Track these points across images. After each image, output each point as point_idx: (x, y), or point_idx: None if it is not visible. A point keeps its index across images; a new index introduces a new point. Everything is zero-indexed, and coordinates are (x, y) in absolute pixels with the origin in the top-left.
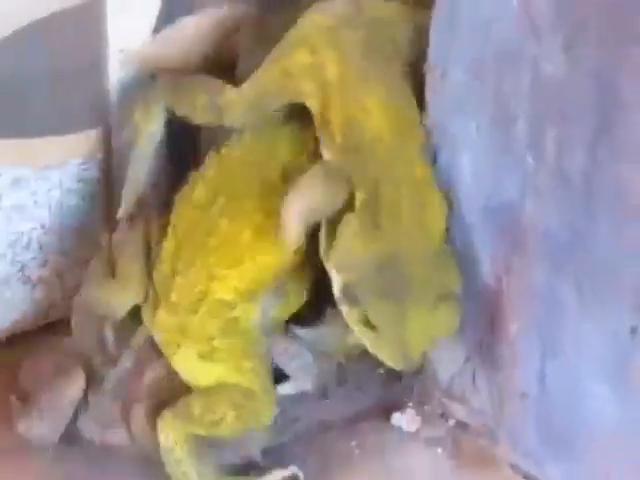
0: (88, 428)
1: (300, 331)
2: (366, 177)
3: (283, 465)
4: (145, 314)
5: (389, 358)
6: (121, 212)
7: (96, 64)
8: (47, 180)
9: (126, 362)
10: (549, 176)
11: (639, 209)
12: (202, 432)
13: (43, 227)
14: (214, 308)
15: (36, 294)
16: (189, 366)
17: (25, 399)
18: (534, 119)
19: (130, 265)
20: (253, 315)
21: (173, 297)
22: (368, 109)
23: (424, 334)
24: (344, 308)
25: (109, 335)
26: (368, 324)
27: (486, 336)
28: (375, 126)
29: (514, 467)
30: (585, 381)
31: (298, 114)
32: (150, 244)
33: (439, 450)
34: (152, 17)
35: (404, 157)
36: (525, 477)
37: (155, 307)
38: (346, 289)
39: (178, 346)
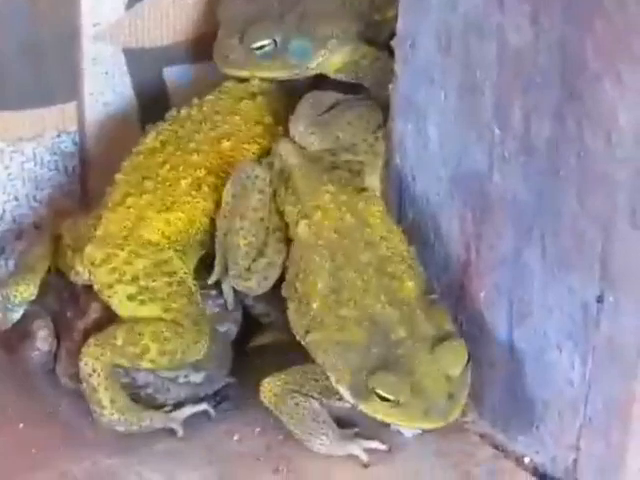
0: (63, 378)
1: None
2: None
3: None
4: (73, 261)
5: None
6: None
7: (70, 38)
8: (21, 153)
9: (93, 313)
10: (516, 145)
11: (604, 176)
12: (125, 363)
13: (17, 200)
14: (140, 248)
15: (10, 266)
16: (123, 307)
17: None
18: (501, 88)
19: (27, 264)
20: (184, 259)
21: (100, 231)
22: None
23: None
24: (362, 406)
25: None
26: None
27: (455, 306)
28: None
29: (482, 436)
30: (552, 349)
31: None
32: None
33: None
34: None
35: None
36: (493, 446)
37: (81, 250)
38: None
39: (110, 287)
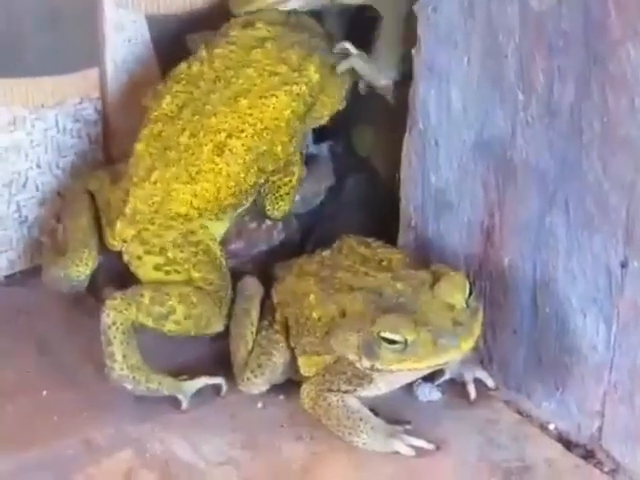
0: None
1: None
2: None
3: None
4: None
5: None
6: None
7: (92, 4)
8: (44, 120)
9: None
10: (539, 109)
11: (627, 140)
12: (149, 322)
13: (39, 167)
14: (169, 220)
15: (33, 234)
16: (149, 277)
17: None
18: (523, 52)
19: (79, 239)
20: (215, 230)
21: (129, 208)
22: None
23: None
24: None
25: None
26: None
27: (479, 271)
28: None
29: (507, 402)
30: (577, 314)
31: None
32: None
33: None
34: None
35: None
36: (518, 412)
37: (111, 224)
38: None
39: (139, 258)
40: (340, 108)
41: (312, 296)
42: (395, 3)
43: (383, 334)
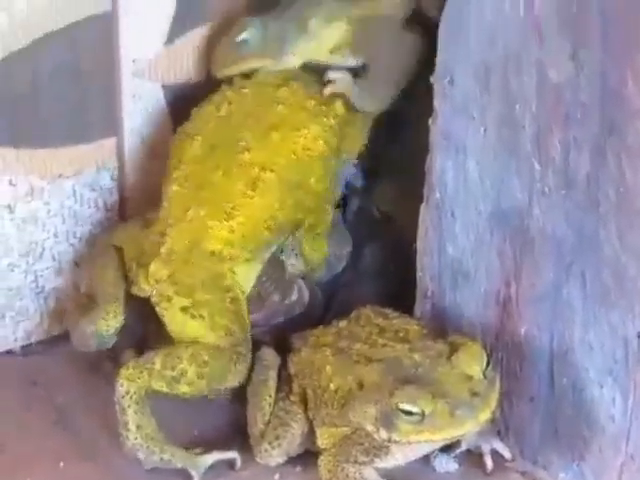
0: None
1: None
2: None
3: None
4: (137, 278)
5: None
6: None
7: (111, 74)
8: (61, 190)
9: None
10: (556, 179)
11: None
12: (163, 387)
13: (57, 237)
14: (203, 259)
15: (50, 304)
16: (175, 320)
17: None
18: (540, 123)
19: (107, 292)
20: (246, 276)
21: (164, 248)
22: None
23: None
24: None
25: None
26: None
27: (495, 341)
28: None
29: (524, 474)
30: (593, 384)
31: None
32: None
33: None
34: (165, 27)
35: None
36: None
37: (145, 267)
38: None
39: (169, 300)
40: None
41: (329, 367)
42: (380, 54)
43: (401, 406)
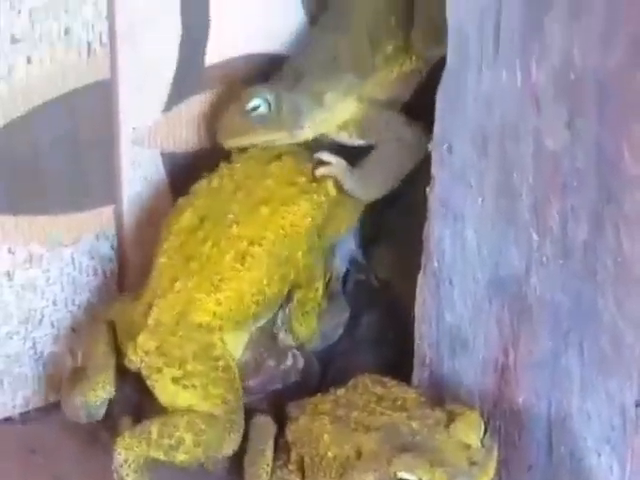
0: None
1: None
2: None
3: None
4: (127, 350)
5: None
6: None
7: (109, 141)
8: (60, 257)
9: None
10: (553, 248)
11: None
12: (160, 456)
13: (55, 304)
14: (191, 331)
15: (48, 370)
16: (166, 391)
17: None
18: (537, 191)
19: (97, 364)
20: (234, 345)
21: (151, 320)
22: None
23: None
24: None
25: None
26: None
27: (493, 409)
28: None
29: None
30: (591, 452)
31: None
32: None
33: None
34: (163, 95)
35: None
36: None
37: (134, 339)
38: None
39: (159, 371)
40: (355, 224)
41: (327, 435)
42: (387, 138)
43: (399, 474)
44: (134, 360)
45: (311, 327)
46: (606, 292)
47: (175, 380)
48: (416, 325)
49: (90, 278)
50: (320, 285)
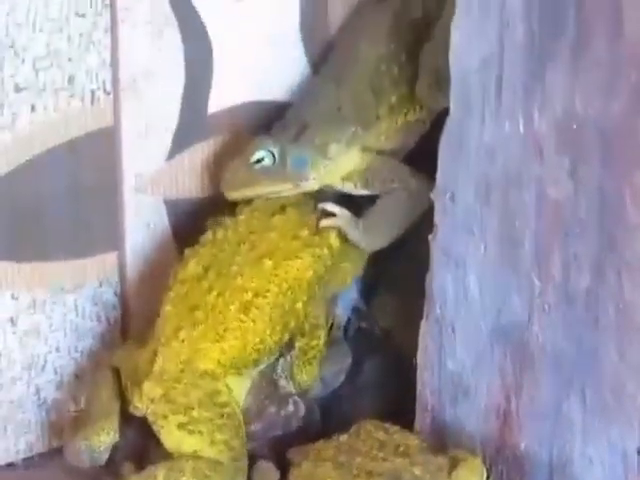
0: None
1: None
2: None
3: None
4: (132, 397)
5: None
6: None
7: (113, 188)
8: (63, 303)
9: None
10: (555, 295)
11: None
12: None
13: (58, 350)
14: (196, 379)
15: (51, 416)
16: (172, 437)
17: None
18: (540, 239)
19: (101, 409)
20: (236, 390)
21: (157, 367)
22: None
23: None
24: None
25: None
26: None
27: (496, 455)
28: None
29: None
30: None
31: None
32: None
33: None
34: (167, 143)
35: None
36: None
37: (139, 385)
38: None
39: (165, 417)
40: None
41: None
42: (392, 189)
43: None
44: (140, 407)
45: (312, 375)
46: (608, 340)
47: (181, 426)
48: (418, 372)
49: (93, 324)
50: (322, 333)
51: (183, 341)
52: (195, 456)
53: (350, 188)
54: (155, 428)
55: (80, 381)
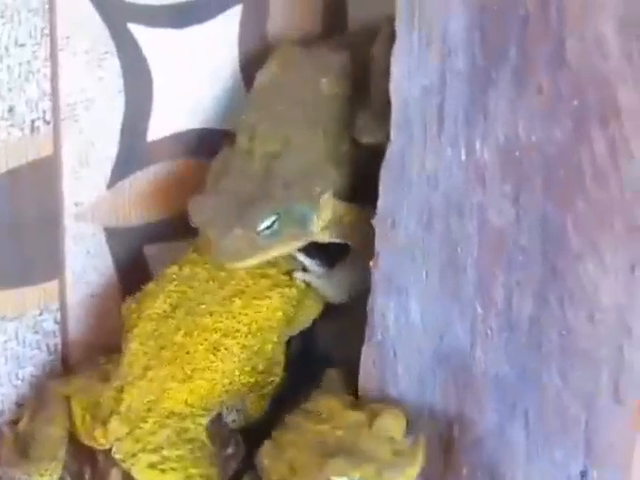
0: None
1: None
2: None
3: None
4: (94, 433)
5: None
6: None
7: (53, 217)
8: (4, 331)
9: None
10: (498, 321)
11: (586, 354)
12: None
13: None
14: (164, 419)
15: None
16: (144, 475)
17: None
18: (482, 266)
19: (48, 449)
20: (203, 424)
21: (123, 407)
22: None
23: None
24: None
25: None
26: None
27: None
28: None
29: None
30: None
31: None
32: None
33: None
34: (107, 171)
35: None
36: None
37: (103, 423)
38: None
39: (134, 456)
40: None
41: (266, 461)
42: (365, 239)
43: (332, 478)
44: (103, 443)
45: (263, 409)
46: (551, 364)
47: (152, 465)
48: (359, 398)
49: (34, 352)
50: (280, 370)
51: (151, 380)
52: None
53: (326, 238)
54: (125, 466)
55: (21, 408)
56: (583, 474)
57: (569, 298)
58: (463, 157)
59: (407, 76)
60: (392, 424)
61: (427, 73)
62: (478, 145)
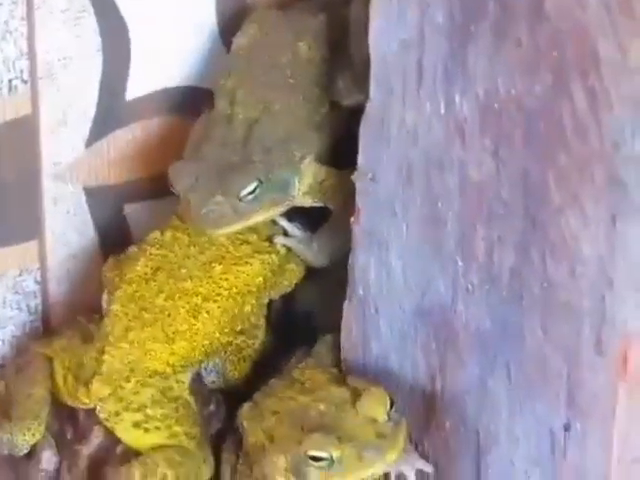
0: None
1: None
2: None
3: None
4: (77, 393)
5: None
6: None
7: (31, 177)
8: None
9: (96, 438)
10: (479, 275)
11: (568, 306)
12: None
13: None
14: (146, 378)
15: None
16: (128, 434)
17: None
18: (463, 220)
19: (30, 408)
20: (186, 382)
21: (105, 367)
22: None
23: None
24: None
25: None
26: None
27: (421, 436)
28: None
29: None
30: (520, 477)
31: None
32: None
33: None
34: (85, 131)
35: None
36: None
37: (86, 383)
38: None
39: (117, 414)
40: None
41: (245, 423)
42: (346, 202)
43: (310, 452)
44: (87, 402)
45: (244, 372)
46: (532, 317)
47: (137, 424)
48: (342, 355)
49: (14, 312)
50: (260, 333)
51: (132, 342)
52: (161, 447)
53: (307, 202)
54: (109, 425)
55: (2, 369)
56: (566, 427)
57: (550, 251)
58: (442, 111)
59: (386, 30)
60: (376, 404)
61: (406, 27)
62: (457, 99)
